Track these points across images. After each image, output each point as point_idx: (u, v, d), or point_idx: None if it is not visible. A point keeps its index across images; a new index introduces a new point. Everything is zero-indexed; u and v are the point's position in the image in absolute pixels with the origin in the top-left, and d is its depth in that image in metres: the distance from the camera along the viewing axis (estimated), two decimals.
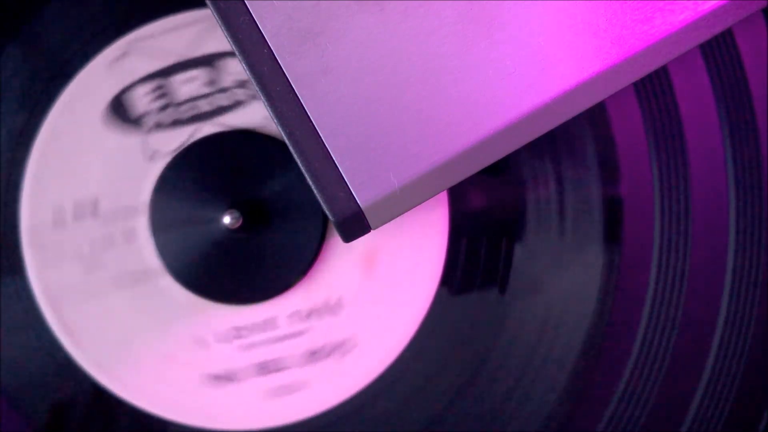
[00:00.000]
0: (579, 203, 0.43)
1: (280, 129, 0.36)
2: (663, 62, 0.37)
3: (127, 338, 0.44)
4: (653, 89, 0.43)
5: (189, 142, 0.44)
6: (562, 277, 0.43)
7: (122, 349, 0.44)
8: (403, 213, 0.38)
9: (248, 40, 0.36)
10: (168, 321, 0.44)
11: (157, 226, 0.44)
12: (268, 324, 0.44)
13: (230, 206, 0.43)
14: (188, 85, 0.44)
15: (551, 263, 0.43)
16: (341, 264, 0.44)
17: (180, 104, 0.44)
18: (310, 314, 0.44)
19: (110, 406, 0.44)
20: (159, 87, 0.44)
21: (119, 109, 0.44)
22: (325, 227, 0.43)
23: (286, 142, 0.36)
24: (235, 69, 0.44)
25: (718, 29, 0.37)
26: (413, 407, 0.44)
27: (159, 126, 0.44)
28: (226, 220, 0.43)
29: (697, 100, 0.43)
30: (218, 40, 0.44)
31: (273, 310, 0.44)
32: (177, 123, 0.44)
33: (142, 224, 0.44)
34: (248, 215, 0.43)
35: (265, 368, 0.44)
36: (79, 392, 0.44)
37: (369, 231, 0.37)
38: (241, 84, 0.44)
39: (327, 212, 0.36)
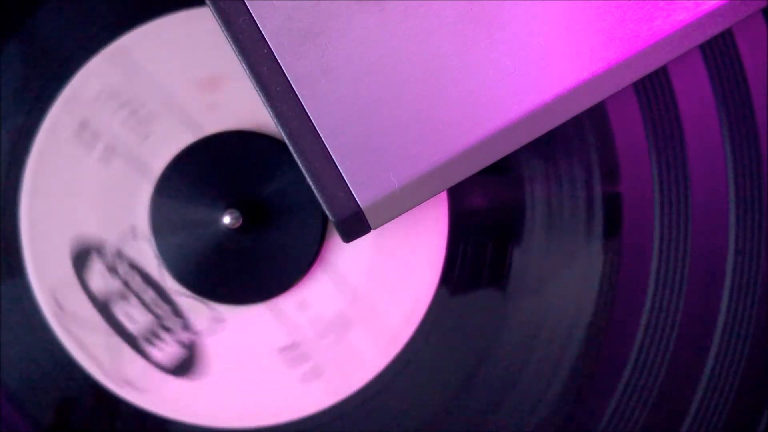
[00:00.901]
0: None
1: (280, 129, 0.36)
2: (663, 62, 0.37)
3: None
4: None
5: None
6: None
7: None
8: (403, 213, 0.38)
9: (248, 40, 0.36)
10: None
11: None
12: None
13: (230, 206, 0.43)
14: None
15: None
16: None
17: None
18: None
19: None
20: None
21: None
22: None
23: (286, 142, 0.36)
24: None
25: (718, 29, 0.37)
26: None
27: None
28: (226, 220, 0.42)
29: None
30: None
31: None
32: None
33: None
34: (248, 215, 0.43)
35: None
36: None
37: (369, 231, 0.37)
38: None
39: (327, 212, 0.36)
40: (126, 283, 0.44)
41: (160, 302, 0.44)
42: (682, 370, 0.43)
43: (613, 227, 0.43)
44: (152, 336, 0.44)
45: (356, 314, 0.44)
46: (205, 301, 0.44)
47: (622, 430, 0.43)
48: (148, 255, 0.44)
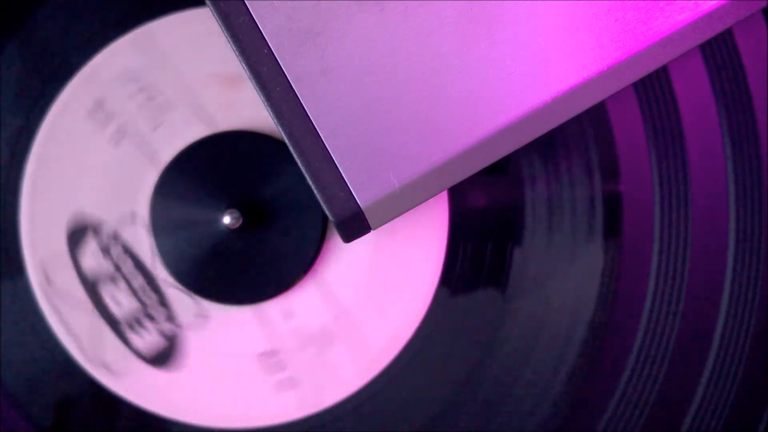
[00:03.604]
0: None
1: (280, 129, 0.36)
2: (663, 62, 0.37)
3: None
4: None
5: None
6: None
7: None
8: (403, 213, 0.38)
9: (248, 40, 0.36)
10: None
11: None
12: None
13: (230, 206, 0.43)
14: None
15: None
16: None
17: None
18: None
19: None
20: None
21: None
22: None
23: (286, 142, 0.36)
24: None
25: (718, 29, 0.37)
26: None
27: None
28: (226, 220, 0.43)
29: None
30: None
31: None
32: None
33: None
34: (248, 215, 0.43)
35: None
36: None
37: (369, 231, 0.37)
38: None
39: (327, 212, 0.36)
40: (117, 267, 0.44)
41: (148, 290, 0.44)
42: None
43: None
44: (135, 323, 0.44)
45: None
46: (193, 295, 0.44)
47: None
48: (143, 242, 0.44)
